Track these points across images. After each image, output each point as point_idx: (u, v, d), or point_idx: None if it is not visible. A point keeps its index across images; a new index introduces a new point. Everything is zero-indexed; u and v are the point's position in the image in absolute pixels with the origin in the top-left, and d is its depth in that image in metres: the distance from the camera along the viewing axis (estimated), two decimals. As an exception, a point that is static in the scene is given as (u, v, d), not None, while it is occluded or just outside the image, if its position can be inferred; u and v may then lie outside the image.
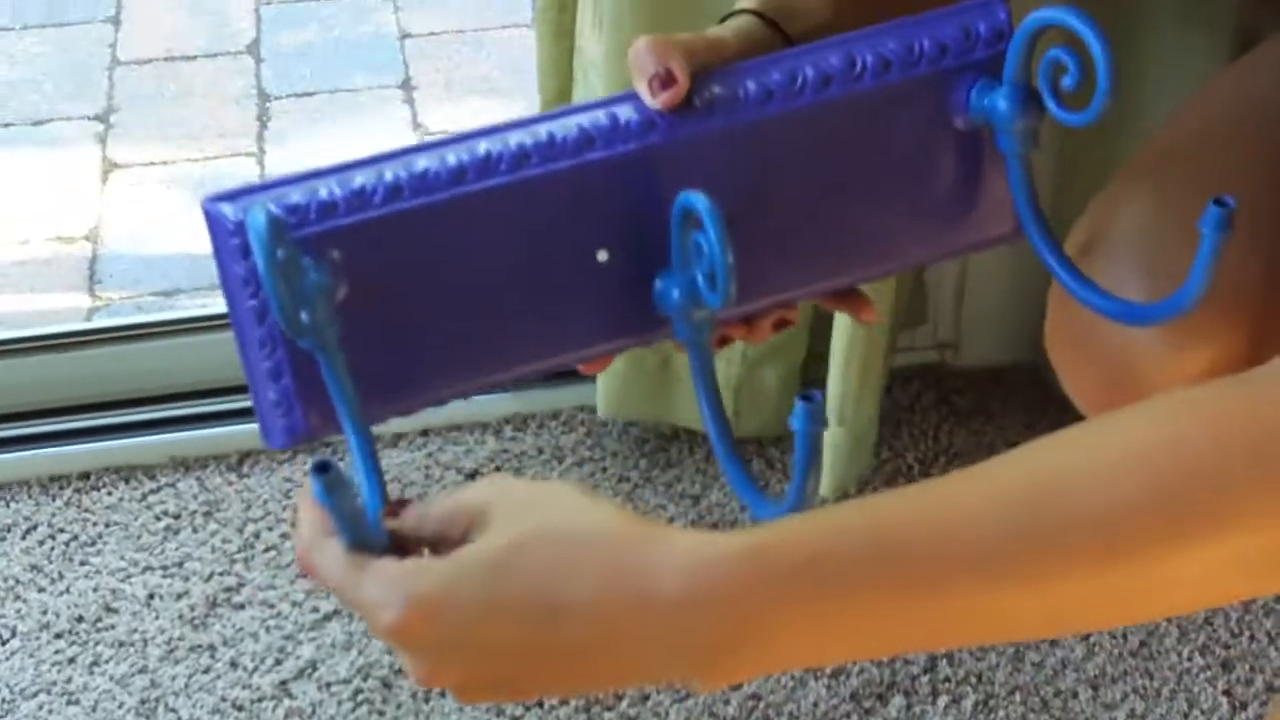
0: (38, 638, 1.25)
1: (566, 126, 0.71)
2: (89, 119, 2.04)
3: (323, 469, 0.61)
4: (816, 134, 0.74)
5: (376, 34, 2.21)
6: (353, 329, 0.66)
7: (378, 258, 0.68)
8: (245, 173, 1.93)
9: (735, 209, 0.71)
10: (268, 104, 2.06)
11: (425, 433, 1.42)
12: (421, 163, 0.69)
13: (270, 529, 1.34)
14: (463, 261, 0.70)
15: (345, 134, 2.01)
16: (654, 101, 0.71)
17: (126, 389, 1.42)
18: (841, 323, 1.25)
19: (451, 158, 0.69)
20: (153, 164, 1.95)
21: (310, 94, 2.09)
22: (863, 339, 1.26)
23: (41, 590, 1.29)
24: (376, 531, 0.64)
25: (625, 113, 0.72)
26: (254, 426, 1.39)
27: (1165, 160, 0.89)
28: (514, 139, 0.70)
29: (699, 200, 0.67)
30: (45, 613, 1.27)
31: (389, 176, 0.69)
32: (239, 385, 1.45)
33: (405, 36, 2.20)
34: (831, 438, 1.30)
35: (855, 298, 0.79)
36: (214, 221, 0.67)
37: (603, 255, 0.72)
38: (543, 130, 0.71)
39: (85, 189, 1.91)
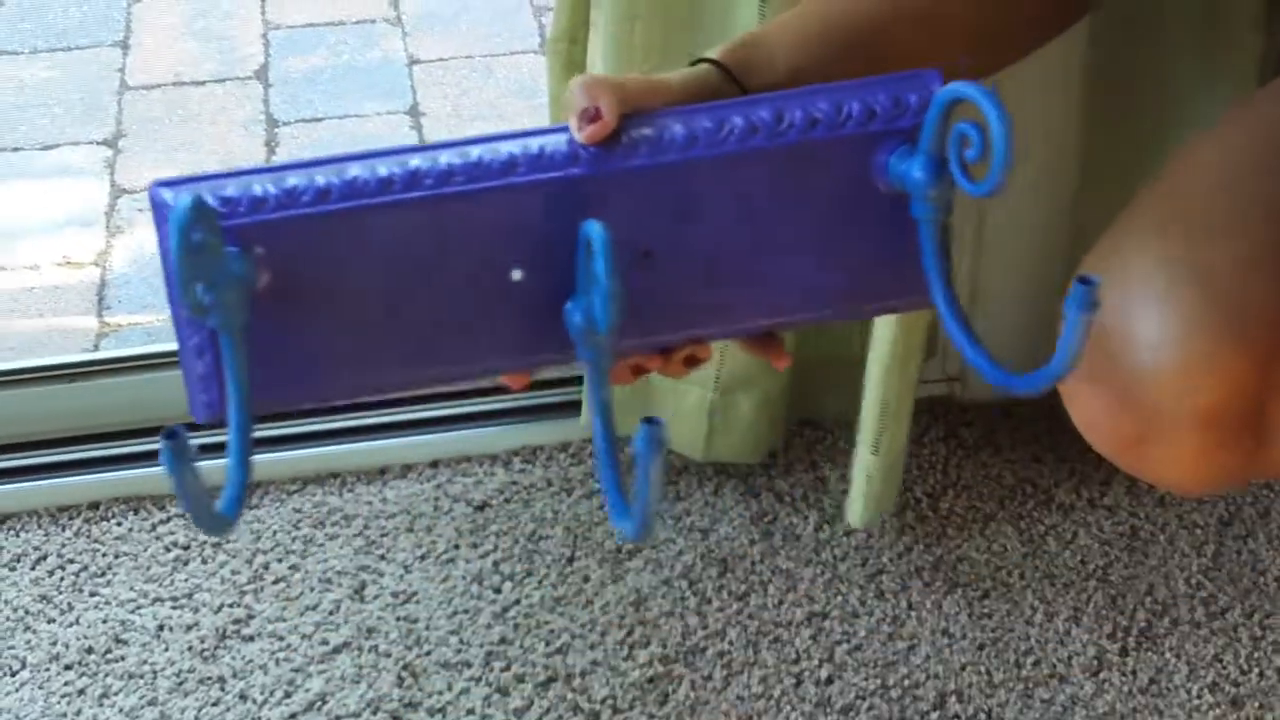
0: (47, 669, 1.25)
1: (495, 151, 0.75)
2: (98, 144, 2.04)
3: (171, 435, 0.65)
4: (737, 182, 0.77)
5: (385, 60, 2.21)
6: (273, 319, 0.72)
7: (301, 254, 0.73)
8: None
9: (652, 244, 0.76)
10: (276, 129, 2.07)
11: (434, 464, 1.43)
12: (353, 170, 0.74)
13: (279, 560, 1.34)
14: (382, 267, 0.74)
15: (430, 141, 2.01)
16: (579, 135, 0.75)
17: (135, 419, 1.42)
18: (877, 353, 1.25)
19: (382, 169, 0.74)
20: (161, 189, 1.95)
21: (318, 120, 2.09)
22: (898, 369, 1.27)
23: (51, 621, 1.29)
24: (226, 512, 0.70)
25: (553, 144, 0.76)
26: (264, 457, 1.41)
27: (1174, 201, 0.90)
28: (444, 157, 0.75)
29: (594, 230, 0.71)
30: (55, 644, 1.27)
31: (320, 180, 0.73)
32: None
33: (414, 62, 2.20)
34: (865, 467, 1.30)
35: (771, 343, 0.81)
36: (156, 205, 0.73)
37: (517, 275, 0.75)
38: (473, 152, 0.75)
39: (94, 214, 1.91)
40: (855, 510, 1.32)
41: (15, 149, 2.04)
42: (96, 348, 1.72)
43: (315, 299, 0.74)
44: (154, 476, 1.40)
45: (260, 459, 1.40)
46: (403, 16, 2.31)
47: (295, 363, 0.74)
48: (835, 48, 0.84)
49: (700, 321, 0.78)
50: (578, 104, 0.75)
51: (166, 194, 0.72)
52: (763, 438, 1.38)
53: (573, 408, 1.45)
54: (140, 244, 1.86)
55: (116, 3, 2.34)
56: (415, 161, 0.74)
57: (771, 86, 0.81)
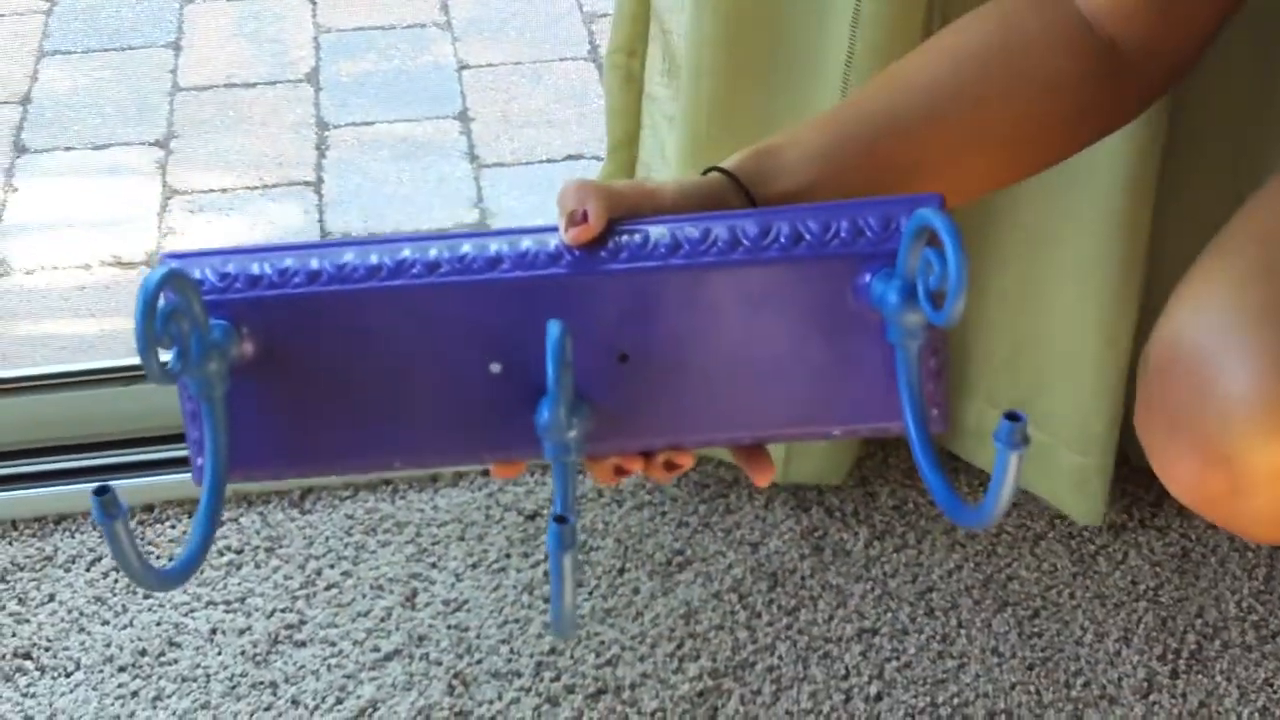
0: (101, 670, 1.26)
1: (483, 246, 0.78)
2: (149, 144, 2.05)
3: (101, 491, 0.70)
4: (715, 293, 0.78)
5: (435, 65, 2.22)
6: (258, 392, 0.77)
7: (287, 332, 0.78)
8: (303, 201, 1.94)
9: (627, 348, 0.78)
10: (326, 133, 2.08)
11: (486, 473, 1.43)
12: (347, 256, 0.78)
13: (332, 566, 1.35)
14: (365, 349, 0.78)
15: (402, 164, 2.02)
16: (565, 237, 0.78)
17: (190, 422, 1.42)
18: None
19: (374, 257, 0.78)
20: (211, 190, 1.97)
21: (368, 124, 2.10)
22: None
23: (105, 623, 1.30)
24: (169, 574, 0.75)
25: (540, 243, 0.79)
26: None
27: (1255, 247, 0.87)
28: (433, 250, 0.78)
29: (551, 328, 0.73)
30: (109, 645, 1.28)
31: (314, 264, 0.78)
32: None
33: (463, 68, 2.21)
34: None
35: (757, 455, 0.82)
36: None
37: (496, 368, 0.78)
38: (462, 246, 0.78)
39: (145, 214, 1.92)
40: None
41: (68, 148, 2.05)
42: (147, 348, 1.73)
43: (299, 376, 0.78)
44: (208, 480, 1.40)
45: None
46: (453, 22, 2.32)
47: (276, 436, 0.78)
48: (852, 155, 0.86)
49: (675, 428, 0.79)
50: (566, 206, 0.78)
51: (174, 265, 0.76)
52: (842, 458, 1.38)
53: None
54: (191, 245, 1.87)
55: (169, 4, 2.35)
56: (406, 251, 0.78)
57: (785, 195, 0.83)
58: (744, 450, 0.82)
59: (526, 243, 0.78)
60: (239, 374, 0.77)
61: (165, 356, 0.73)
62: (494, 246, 0.78)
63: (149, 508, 1.40)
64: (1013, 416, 0.68)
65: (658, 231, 0.78)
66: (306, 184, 1.98)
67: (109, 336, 1.74)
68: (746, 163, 0.84)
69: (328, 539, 1.37)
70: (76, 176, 2.00)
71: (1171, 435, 0.83)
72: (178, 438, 1.43)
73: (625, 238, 0.78)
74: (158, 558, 1.36)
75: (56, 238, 1.89)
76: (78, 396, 1.44)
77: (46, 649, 1.28)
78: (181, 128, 2.09)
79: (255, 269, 0.77)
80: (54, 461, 1.42)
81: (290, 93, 2.16)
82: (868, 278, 0.78)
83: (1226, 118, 1.23)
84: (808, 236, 0.78)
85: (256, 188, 1.97)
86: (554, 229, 0.79)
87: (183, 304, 0.73)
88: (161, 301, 0.71)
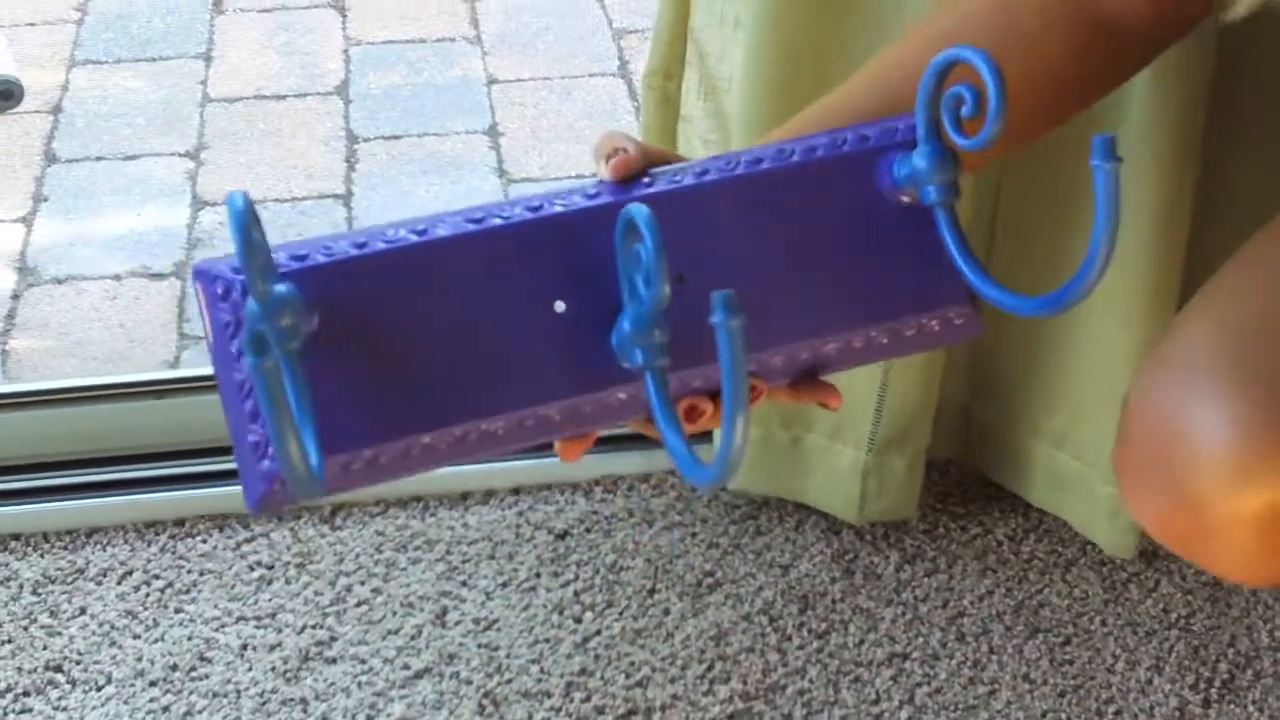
0: (132, 685, 1.27)
1: (523, 200, 0.79)
2: (179, 155, 2.06)
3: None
4: (752, 204, 0.81)
5: (464, 79, 2.22)
6: (316, 371, 0.72)
7: (343, 301, 0.75)
8: (332, 213, 1.95)
9: (681, 268, 0.78)
10: (355, 146, 2.08)
11: (516, 491, 1.43)
12: (390, 230, 0.77)
13: (362, 583, 1.35)
14: (422, 309, 0.76)
15: (431, 178, 2.02)
16: (605, 171, 0.79)
17: (222, 436, 1.42)
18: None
19: (419, 225, 0.77)
20: (241, 202, 1.97)
21: (398, 137, 2.10)
22: (922, 361, 1.28)
23: (136, 637, 1.30)
24: (318, 479, 0.68)
25: (578, 189, 0.80)
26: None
27: (1234, 300, 0.90)
28: (475, 209, 0.78)
29: (637, 211, 0.72)
30: (140, 660, 1.28)
31: (358, 237, 0.76)
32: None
33: (492, 82, 2.22)
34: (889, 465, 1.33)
35: (820, 386, 0.83)
36: (200, 276, 0.75)
37: (560, 306, 0.77)
38: (503, 204, 0.79)
39: (175, 225, 1.93)
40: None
41: (99, 158, 2.06)
42: (177, 359, 1.73)
43: (361, 347, 0.75)
44: (240, 495, 1.40)
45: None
46: (482, 36, 2.32)
47: (344, 414, 0.73)
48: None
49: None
50: (604, 149, 0.80)
51: (209, 264, 0.74)
52: (913, 494, 1.38)
53: (653, 440, 1.45)
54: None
55: (200, 15, 2.36)
56: (450, 218, 0.77)
57: None
58: (806, 386, 0.82)
59: (566, 193, 0.79)
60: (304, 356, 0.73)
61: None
62: (535, 201, 0.79)
63: (180, 522, 1.40)
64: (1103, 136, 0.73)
65: (684, 164, 0.82)
66: (336, 197, 1.98)
67: (139, 347, 1.75)
68: None
69: (358, 555, 1.37)
70: (107, 187, 2.00)
71: (1143, 476, 0.86)
72: (209, 451, 1.43)
73: (656, 173, 0.81)
74: (189, 572, 1.36)
75: (86, 248, 1.89)
76: (109, 409, 1.44)
77: (78, 662, 1.28)
78: (211, 139, 2.09)
79: (302, 251, 0.76)
80: (85, 474, 1.42)
81: (320, 105, 2.16)
82: (888, 171, 0.82)
83: (1258, 158, 1.23)
84: (820, 146, 0.82)
85: (286, 200, 1.98)
86: (591, 184, 0.80)
87: (262, 240, 0.70)
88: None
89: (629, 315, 0.75)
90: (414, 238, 0.76)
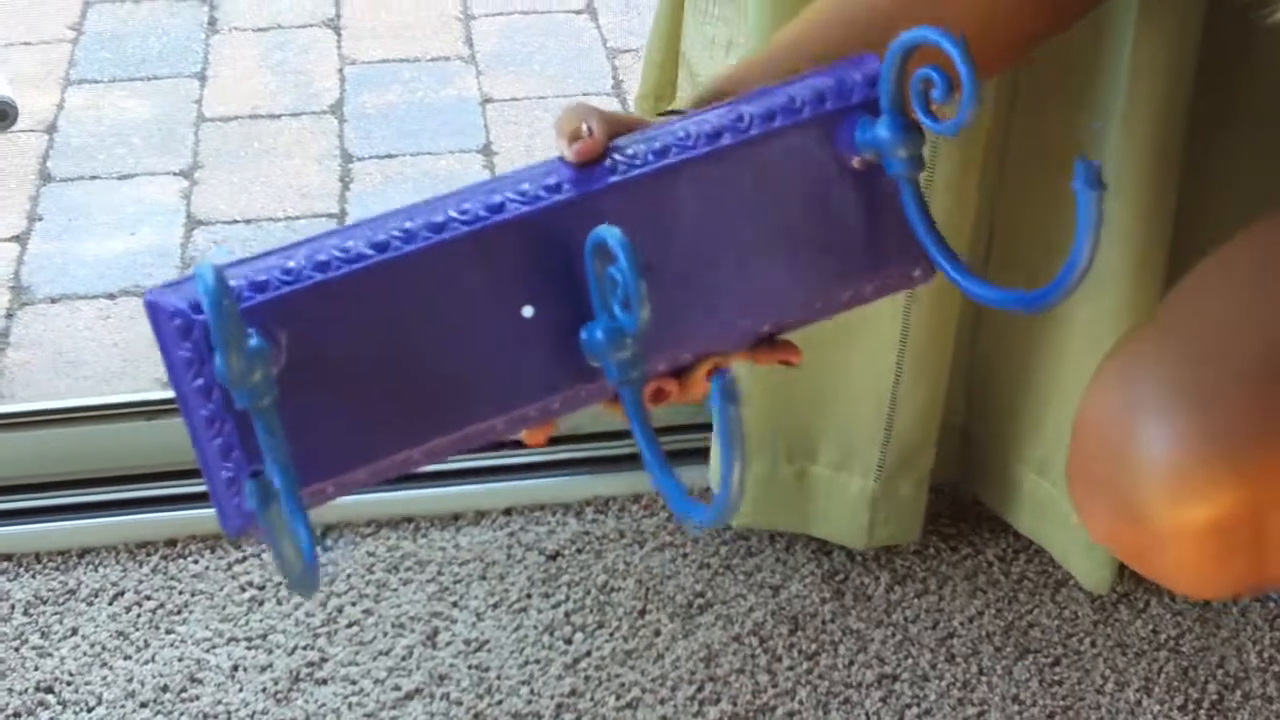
0: (123, 706, 1.27)
1: (484, 195, 0.77)
2: (174, 174, 2.06)
3: (256, 474, 0.67)
4: (714, 182, 0.80)
5: (458, 98, 2.23)
6: (291, 402, 0.71)
7: (310, 327, 0.74)
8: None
9: (647, 256, 0.76)
10: (350, 165, 2.09)
11: (508, 511, 1.43)
12: (349, 241, 0.75)
13: (353, 604, 1.35)
14: (391, 326, 0.75)
15: (425, 197, 2.02)
16: (569, 153, 0.77)
17: (214, 457, 1.43)
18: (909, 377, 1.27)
19: (379, 234, 0.75)
20: (235, 221, 1.97)
21: (392, 156, 2.11)
22: (928, 388, 1.28)
23: (127, 658, 1.30)
24: (312, 571, 0.69)
25: (538, 177, 0.78)
26: (340, 499, 1.41)
27: (1180, 319, 0.92)
28: (436, 213, 0.76)
29: (609, 233, 0.72)
30: (131, 681, 1.29)
31: (319, 255, 0.74)
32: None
33: (487, 101, 2.22)
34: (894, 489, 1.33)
35: (780, 346, 0.83)
36: (155, 310, 0.73)
37: (528, 311, 0.77)
38: (463, 202, 0.77)
39: (169, 245, 1.93)
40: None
41: (93, 177, 2.06)
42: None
43: (331, 370, 0.74)
44: (231, 515, 1.41)
45: (335, 501, 1.42)
46: (477, 55, 2.33)
47: (331, 441, 0.74)
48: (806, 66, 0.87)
49: (708, 330, 0.80)
50: (567, 127, 0.78)
51: (166, 296, 0.73)
52: (919, 517, 1.38)
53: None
54: (215, 277, 1.87)
55: (195, 34, 2.36)
56: (409, 223, 0.76)
57: None
58: (767, 348, 0.83)
59: (524, 182, 0.78)
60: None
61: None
62: (496, 196, 0.77)
63: (172, 542, 1.40)
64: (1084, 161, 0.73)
65: (645, 142, 0.80)
66: (330, 216, 1.99)
67: (132, 366, 1.75)
68: (700, 100, 0.85)
69: (349, 576, 1.37)
70: (101, 206, 2.01)
71: (1092, 492, 0.89)
72: (201, 473, 1.43)
73: (617, 154, 0.79)
74: (180, 593, 1.36)
75: (80, 267, 1.89)
76: (102, 430, 1.45)
77: (68, 683, 1.28)
78: (206, 158, 2.09)
79: (260, 275, 0.74)
80: (77, 495, 1.42)
81: (315, 124, 2.17)
82: (847, 133, 0.81)
83: (1226, 199, 1.23)
84: (777, 110, 0.81)
85: (280, 219, 1.98)
86: (540, 166, 0.78)
87: (233, 306, 0.69)
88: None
89: (602, 327, 0.75)
90: (374, 254, 0.75)
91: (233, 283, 0.72)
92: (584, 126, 0.78)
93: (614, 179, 0.78)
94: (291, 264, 0.74)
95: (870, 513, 1.35)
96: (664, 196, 0.79)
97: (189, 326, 0.72)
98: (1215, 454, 0.83)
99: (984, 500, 1.43)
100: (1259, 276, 0.91)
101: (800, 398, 1.32)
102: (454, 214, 0.76)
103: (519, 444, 1.43)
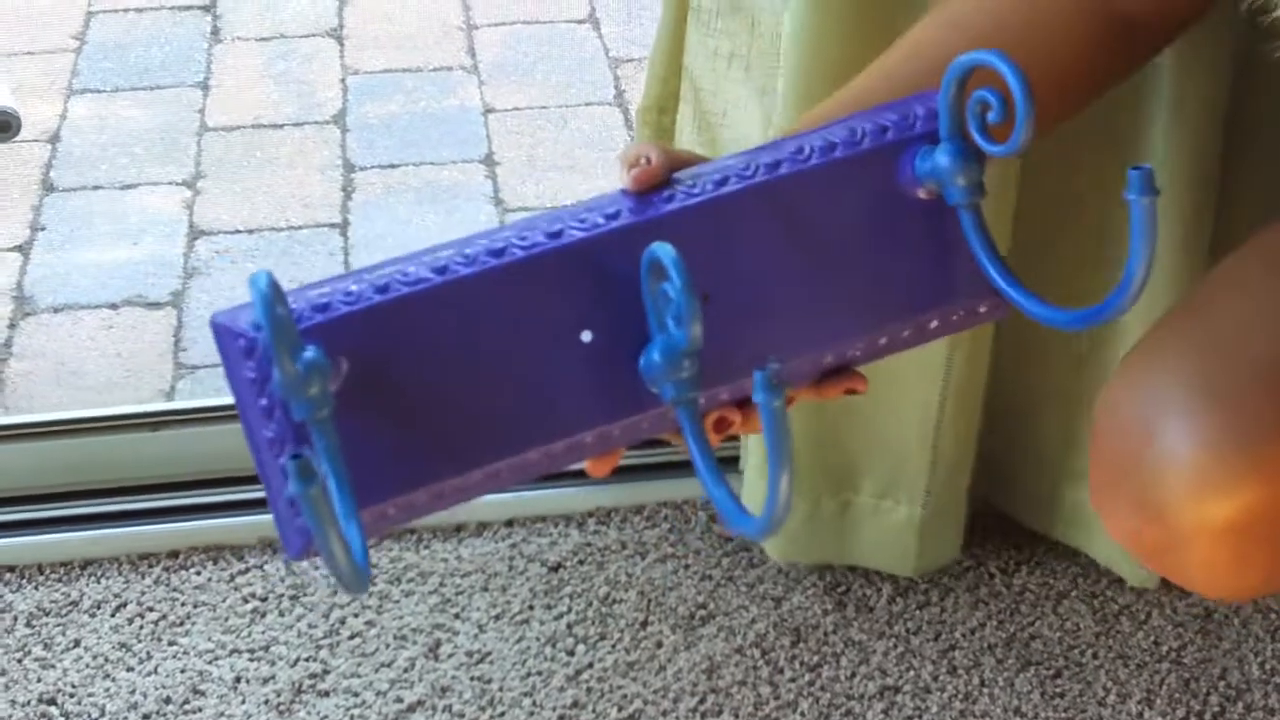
0: (126, 718, 1.27)
1: (540, 222, 0.78)
2: (177, 184, 2.06)
3: (296, 456, 0.65)
4: (773, 212, 0.80)
5: (461, 108, 2.23)
6: (351, 422, 0.72)
7: (370, 348, 0.74)
8: (329, 243, 1.95)
9: (706, 285, 0.77)
10: (352, 175, 2.09)
11: (510, 523, 1.44)
12: (410, 267, 0.75)
13: (356, 615, 1.35)
14: (449, 349, 0.75)
15: (428, 207, 2.03)
16: (628, 181, 0.78)
17: (217, 468, 1.43)
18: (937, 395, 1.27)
19: (439, 259, 0.76)
20: (238, 231, 1.98)
21: (394, 166, 2.11)
22: (969, 410, 1.28)
23: (130, 669, 1.31)
24: (364, 573, 0.69)
25: (599, 206, 0.78)
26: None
27: (1203, 316, 0.92)
28: (494, 238, 0.77)
29: (662, 250, 0.72)
30: (133, 692, 1.29)
31: (378, 279, 0.75)
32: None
33: (489, 111, 2.22)
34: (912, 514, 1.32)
35: (845, 376, 0.83)
36: (220, 332, 0.73)
37: (587, 336, 0.77)
38: (522, 229, 0.77)
39: (171, 254, 1.93)
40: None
41: (96, 187, 2.07)
42: (172, 389, 1.74)
43: (392, 392, 0.74)
44: (233, 526, 1.41)
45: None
46: (479, 65, 2.33)
47: (384, 462, 0.74)
48: None
49: (761, 361, 0.77)
50: (628, 158, 0.79)
51: (230, 318, 0.73)
52: (959, 536, 1.37)
53: (645, 471, 1.45)
54: (216, 286, 1.88)
55: (198, 44, 2.37)
56: (469, 249, 0.76)
57: None
58: (832, 380, 0.82)
59: (585, 213, 0.78)
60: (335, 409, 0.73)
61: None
62: (556, 225, 0.77)
63: (174, 553, 1.40)
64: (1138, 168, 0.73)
65: (704, 172, 0.80)
66: (333, 226, 1.99)
67: (135, 377, 1.75)
68: None
69: (352, 588, 1.37)
70: (104, 215, 2.01)
71: (1113, 490, 0.88)
72: (204, 483, 1.44)
73: (677, 185, 0.79)
74: (183, 604, 1.36)
75: (83, 277, 1.90)
76: (105, 441, 1.45)
77: (71, 695, 1.28)
78: (209, 168, 2.10)
79: (316, 297, 0.74)
80: (80, 506, 1.43)
81: (317, 134, 2.17)
82: (908, 164, 0.81)
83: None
84: (838, 142, 0.81)
85: (283, 229, 1.98)
86: (601, 198, 0.79)
87: (287, 313, 0.70)
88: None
89: (659, 347, 0.75)
90: (435, 277, 0.75)
91: (295, 305, 0.73)
92: (643, 157, 0.79)
93: (672, 206, 0.79)
94: (354, 287, 0.75)
95: (918, 539, 1.34)
96: (722, 224, 0.79)
97: (252, 346, 0.73)
98: (1236, 452, 0.83)
99: (1009, 512, 1.41)
100: (1275, 275, 0.91)
101: (842, 431, 1.31)
102: (514, 240, 0.77)
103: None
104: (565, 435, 0.77)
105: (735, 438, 1.40)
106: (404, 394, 0.75)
